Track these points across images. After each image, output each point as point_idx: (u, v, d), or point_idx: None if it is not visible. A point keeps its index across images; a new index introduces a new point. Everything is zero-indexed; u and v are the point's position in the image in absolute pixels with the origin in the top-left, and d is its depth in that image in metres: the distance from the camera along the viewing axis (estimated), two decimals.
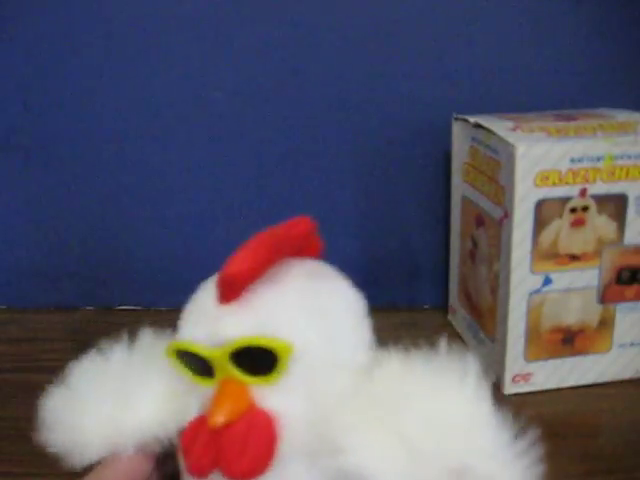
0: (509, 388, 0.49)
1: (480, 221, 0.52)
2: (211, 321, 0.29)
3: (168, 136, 0.60)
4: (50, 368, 0.54)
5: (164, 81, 0.58)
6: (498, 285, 0.49)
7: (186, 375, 0.29)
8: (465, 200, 0.55)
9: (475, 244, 0.53)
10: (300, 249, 0.32)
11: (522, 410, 0.50)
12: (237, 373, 0.28)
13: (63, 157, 0.60)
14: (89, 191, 0.61)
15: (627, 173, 0.46)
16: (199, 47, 0.58)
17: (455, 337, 0.59)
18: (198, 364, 0.29)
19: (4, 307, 0.64)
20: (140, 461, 0.32)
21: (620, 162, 0.45)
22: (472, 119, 0.51)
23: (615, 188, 0.46)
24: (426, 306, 0.64)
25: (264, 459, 0.27)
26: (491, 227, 0.49)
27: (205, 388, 0.29)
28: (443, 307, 0.63)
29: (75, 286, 0.63)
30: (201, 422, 0.28)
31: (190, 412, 0.29)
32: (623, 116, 0.51)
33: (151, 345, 0.33)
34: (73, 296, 0.63)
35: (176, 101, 0.59)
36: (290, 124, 0.59)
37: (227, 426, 0.27)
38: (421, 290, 0.64)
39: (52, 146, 0.60)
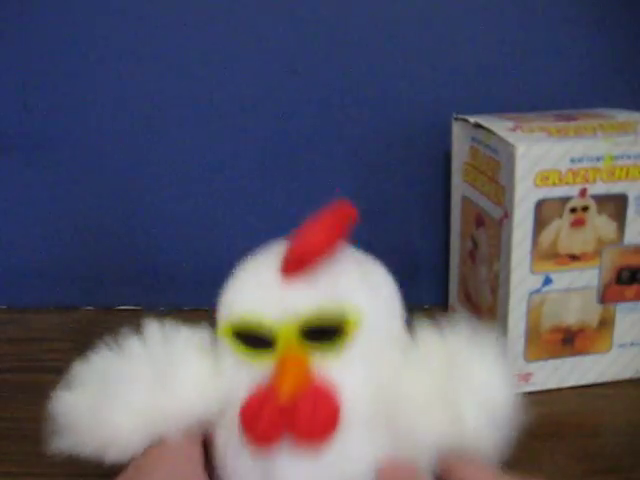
0: None
1: (480, 221, 0.52)
2: (280, 295, 0.30)
3: (168, 136, 0.60)
4: (50, 368, 0.55)
5: (165, 81, 0.58)
6: (498, 285, 0.49)
7: (239, 351, 0.30)
8: (465, 200, 0.55)
9: (475, 244, 0.54)
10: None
11: (522, 410, 0.50)
12: (303, 346, 0.29)
13: (63, 157, 0.60)
14: (89, 191, 0.61)
15: (627, 173, 0.46)
16: (199, 47, 0.58)
17: None
18: (256, 339, 0.29)
19: (4, 307, 0.64)
20: (189, 445, 0.31)
21: (620, 162, 0.45)
22: (472, 119, 0.51)
23: (615, 188, 0.46)
24: (426, 306, 0.64)
25: (332, 427, 0.29)
26: (491, 227, 0.49)
27: (259, 364, 0.29)
28: (443, 307, 0.62)
29: (75, 286, 0.63)
30: (263, 397, 0.29)
31: (237, 390, 0.30)
32: (623, 116, 0.51)
33: (177, 331, 0.33)
34: (73, 296, 0.63)
35: (176, 101, 0.59)
36: (290, 124, 0.59)
37: (296, 399, 0.28)
38: (421, 290, 0.64)
39: (52, 146, 0.60)
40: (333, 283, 0.30)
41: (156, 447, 0.32)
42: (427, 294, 0.64)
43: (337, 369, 0.29)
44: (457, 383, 0.30)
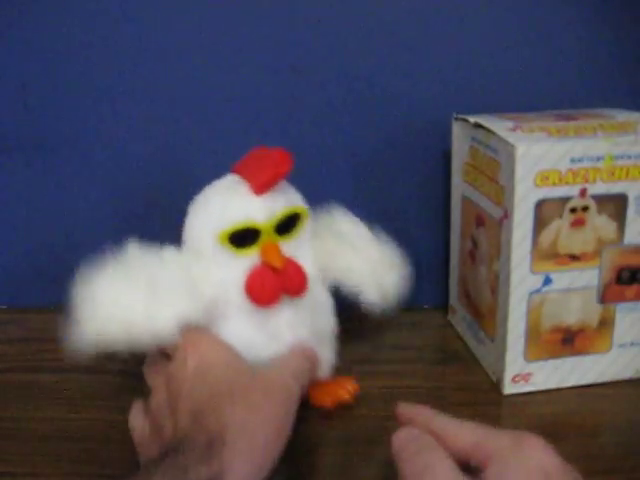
0: (509, 388, 0.49)
1: (480, 221, 0.52)
2: (260, 204, 0.42)
3: (168, 137, 0.60)
4: (50, 368, 0.55)
5: (165, 81, 0.58)
6: (498, 285, 0.49)
7: (233, 250, 0.42)
8: (465, 200, 0.55)
9: (475, 244, 0.54)
10: None
11: (522, 410, 0.51)
12: (277, 236, 0.43)
13: (63, 157, 0.60)
14: (89, 191, 0.61)
15: (627, 173, 0.46)
16: (200, 46, 0.58)
17: (455, 337, 0.59)
18: (243, 239, 0.42)
19: (4, 307, 0.64)
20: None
21: (620, 162, 0.45)
22: (472, 119, 0.51)
23: (615, 188, 0.46)
24: (426, 306, 0.64)
25: (307, 282, 0.44)
26: (491, 227, 0.49)
27: (246, 256, 0.42)
28: (443, 307, 0.63)
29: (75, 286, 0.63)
30: (263, 272, 0.42)
31: (233, 278, 0.43)
32: (623, 116, 0.51)
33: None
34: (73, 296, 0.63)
35: (176, 100, 0.59)
36: (289, 123, 0.59)
37: (285, 265, 0.42)
38: (421, 290, 0.64)
39: (52, 146, 0.60)
40: (287, 194, 0.44)
41: (191, 331, 0.41)
42: (427, 294, 0.64)
43: (295, 249, 0.44)
44: (380, 265, 0.49)
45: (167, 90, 0.59)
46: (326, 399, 0.48)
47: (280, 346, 0.43)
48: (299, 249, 0.44)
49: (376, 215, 0.62)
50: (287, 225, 0.44)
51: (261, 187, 0.42)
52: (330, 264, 0.47)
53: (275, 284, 0.42)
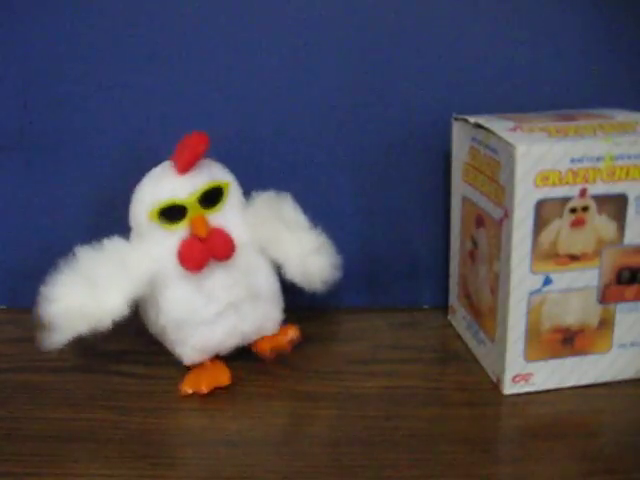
0: (509, 388, 0.49)
1: (480, 221, 0.52)
2: (183, 182, 0.48)
3: (169, 137, 0.60)
4: (50, 368, 0.55)
5: (165, 81, 0.58)
6: (498, 285, 0.49)
7: (164, 225, 0.49)
8: (465, 200, 0.55)
9: (475, 244, 0.54)
10: None
11: (522, 410, 0.51)
12: (202, 209, 0.49)
13: (63, 157, 0.60)
14: (89, 191, 0.61)
15: (627, 173, 0.46)
16: (200, 46, 0.58)
17: (455, 337, 0.59)
18: (171, 214, 0.48)
19: (4, 307, 0.64)
20: None
21: (620, 162, 0.45)
22: (472, 119, 0.51)
23: (615, 188, 0.46)
24: (426, 306, 0.64)
25: (233, 247, 0.49)
26: (491, 227, 0.49)
27: (176, 230, 0.49)
28: (443, 307, 0.63)
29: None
30: (191, 242, 0.48)
31: (167, 250, 0.49)
32: (623, 116, 0.51)
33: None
34: None
35: (176, 100, 0.59)
36: (289, 124, 0.59)
37: (209, 234, 0.48)
38: (421, 290, 0.64)
39: (52, 146, 0.60)
40: (209, 170, 0.50)
41: None
42: (427, 294, 0.64)
43: (223, 219, 0.50)
44: (307, 248, 0.52)
45: (168, 90, 0.59)
46: (266, 347, 0.52)
47: (218, 305, 0.49)
48: (227, 219, 0.50)
49: (376, 215, 0.62)
50: (211, 198, 0.49)
51: (182, 167, 0.48)
52: (261, 236, 0.52)
53: (201, 251, 0.48)
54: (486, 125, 0.48)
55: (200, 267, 0.48)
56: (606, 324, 0.49)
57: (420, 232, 0.63)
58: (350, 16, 0.57)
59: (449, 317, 0.62)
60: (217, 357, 0.52)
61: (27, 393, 0.50)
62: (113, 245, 0.49)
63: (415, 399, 0.49)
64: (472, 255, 0.54)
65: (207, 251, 0.48)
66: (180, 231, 0.49)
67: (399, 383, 0.51)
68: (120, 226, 0.62)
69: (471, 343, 0.56)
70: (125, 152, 0.60)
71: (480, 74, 0.58)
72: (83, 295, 0.46)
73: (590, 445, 0.44)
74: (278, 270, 0.52)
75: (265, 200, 0.53)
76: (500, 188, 0.47)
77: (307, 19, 0.57)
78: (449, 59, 0.58)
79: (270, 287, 0.52)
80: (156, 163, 0.61)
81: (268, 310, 0.52)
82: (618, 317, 0.49)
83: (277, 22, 0.57)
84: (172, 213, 0.48)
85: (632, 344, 0.50)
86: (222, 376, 0.51)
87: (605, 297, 0.49)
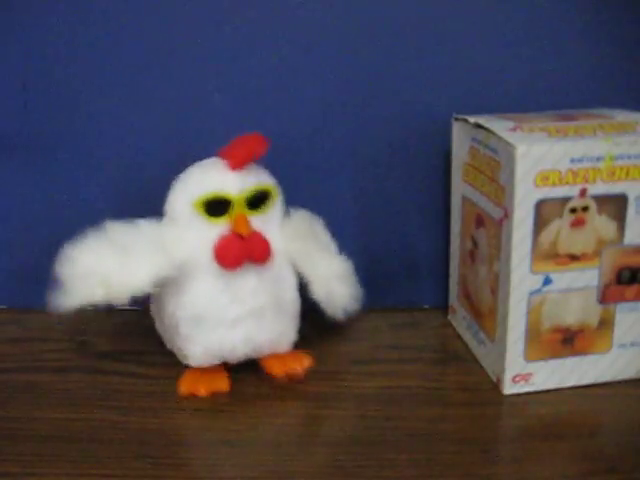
0: (509, 388, 0.49)
1: (480, 221, 0.52)
2: (234, 178, 0.47)
3: (169, 137, 0.60)
4: (50, 368, 0.55)
5: (165, 81, 0.58)
6: (498, 285, 0.49)
7: (207, 217, 0.47)
8: (465, 200, 0.55)
9: (475, 244, 0.54)
10: None
11: (522, 410, 0.51)
12: (248, 210, 0.48)
13: (63, 157, 0.60)
14: (89, 192, 0.61)
15: (627, 173, 0.46)
16: (200, 46, 0.58)
17: (455, 337, 0.59)
18: (217, 208, 0.47)
19: (4, 307, 0.64)
20: None
21: (620, 162, 0.45)
22: (472, 119, 0.51)
23: (615, 188, 0.46)
24: (426, 306, 0.64)
25: (270, 252, 0.48)
26: (491, 227, 0.49)
27: (218, 224, 0.47)
28: (443, 307, 0.63)
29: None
30: (231, 238, 0.47)
31: (205, 243, 0.47)
32: (623, 116, 0.51)
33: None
34: None
35: (177, 100, 0.59)
36: (289, 124, 0.59)
37: (251, 235, 0.47)
38: (421, 290, 0.64)
39: (52, 146, 0.60)
40: (258, 173, 0.49)
41: None
42: (427, 294, 0.64)
43: (264, 224, 0.49)
44: (335, 274, 0.52)
45: (167, 89, 0.59)
46: (278, 369, 0.51)
47: (241, 308, 0.48)
48: (267, 224, 0.49)
49: (376, 215, 0.62)
50: (257, 201, 0.48)
51: (235, 163, 0.47)
52: (296, 249, 0.51)
53: (240, 250, 0.47)
54: (486, 125, 0.48)
55: (236, 265, 0.47)
56: (606, 324, 0.49)
57: (420, 232, 0.63)
58: (350, 16, 0.57)
59: (449, 317, 0.62)
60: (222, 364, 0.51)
61: (27, 393, 0.50)
62: (147, 223, 0.48)
63: (415, 399, 0.49)
64: (472, 255, 0.54)
65: (246, 250, 0.47)
66: (220, 226, 0.47)
67: (399, 383, 0.51)
68: None
69: (471, 343, 0.56)
70: (125, 152, 0.60)
71: (480, 74, 0.58)
72: (111, 261, 0.45)
73: (590, 445, 0.44)
74: (302, 288, 0.51)
75: (301, 217, 0.53)
76: (500, 188, 0.47)
77: (307, 19, 0.57)
78: (449, 59, 0.58)
79: (294, 301, 0.51)
80: (156, 164, 0.61)
81: (286, 326, 0.51)
82: (618, 317, 0.49)
83: (277, 22, 0.57)
84: (217, 206, 0.47)
85: (632, 344, 0.50)
86: (221, 381, 0.50)
87: (605, 297, 0.49)
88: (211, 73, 0.58)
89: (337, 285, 0.51)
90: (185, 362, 0.50)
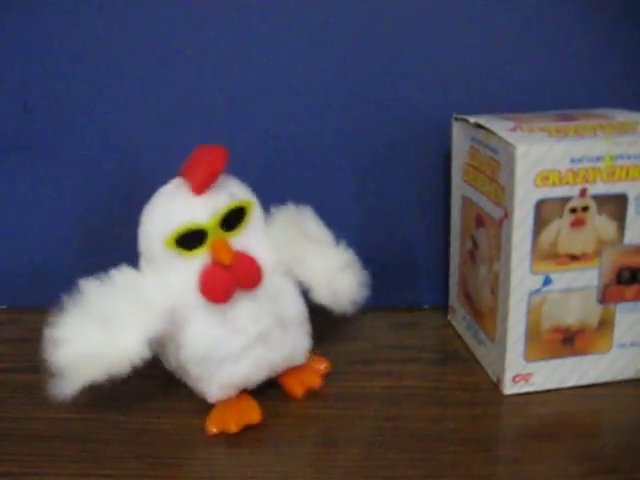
0: (509, 388, 0.49)
1: (480, 221, 0.52)
2: (201, 203, 0.43)
3: (169, 138, 0.60)
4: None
5: (165, 81, 0.58)
6: (498, 285, 0.49)
7: (181, 253, 0.43)
8: (465, 200, 0.55)
9: (475, 244, 0.54)
10: None
11: (522, 410, 0.51)
12: (224, 232, 0.44)
13: (63, 157, 0.60)
14: (89, 192, 0.61)
15: (627, 173, 0.46)
16: (200, 47, 0.58)
17: (455, 337, 0.59)
18: (189, 241, 0.43)
19: (4, 307, 0.64)
20: None
21: (620, 162, 0.45)
22: (472, 119, 0.51)
23: (615, 188, 0.46)
24: (426, 306, 0.64)
25: (261, 273, 0.44)
26: (491, 227, 0.49)
27: (195, 257, 0.43)
28: (443, 307, 0.63)
29: (75, 286, 0.63)
30: (214, 270, 0.43)
31: (187, 281, 0.43)
32: (623, 116, 0.51)
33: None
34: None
35: (177, 100, 0.59)
36: (289, 124, 0.59)
37: (235, 260, 0.43)
38: (421, 290, 0.64)
39: (52, 146, 0.60)
40: (228, 189, 0.44)
41: None
42: (427, 294, 0.64)
43: (247, 241, 0.45)
44: (335, 268, 0.48)
45: (168, 90, 0.59)
46: (297, 387, 0.49)
47: (245, 337, 0.45)
48: (251, 240, 0.45)
49: (376, 215, 0.62)
50: (234, 219, 0.44)
51: (198, 187, 0.43)
52: (287, 256, 0.47)
53: (227, 280, 0.43)
54: (486, 125, 0.48)
55: (226, 298, 0.43)
56: (606, 324, 0.49)
57: (420, 232, 0.63)
58: (350, 16, 0.57)
59: (449, 317, 0.62)
60: (244, 390, 0.48)
61: (27, 393, 0.50)
62: (124, 277, 0.44)
63: (415, 399, 0.49)
64: (472, 255, 0.54)
65: (232, 279, 0.43)
66: (200, 258, 0.43)
67: (399, 383, 0.51)
68: (121, 227, 0.63)
69: (471, 343, 0.56)
70: (126, 153, 0.60)
71: (480, 74, 0.58)
72: (95, 337, 0.41)
73: (590, 445, 0.44)
74: (303, 292, 0.49)
75: (286, 216, 0.49)
76: (500, 188, 0.47)
77: (307, 19, 0.57)
78: (449, 59, 0.58)
79: (299, 312, 0.48)
80: (157, 164, 0.61)
81: (297, 337, 0.48)
82: (618, 317, 0.49)
83: (277, 22, 0.57)
84: (190, 238, 0.43)
85: (632, 344, 0.50)
86: (252, 412, 0.46)
87: (605, 297, 0.49)
88: (212, 73, 0.58)
89: (341, 279, 0.48)
90: (204, 398, 0.47)
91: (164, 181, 0.61)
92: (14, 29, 0.57)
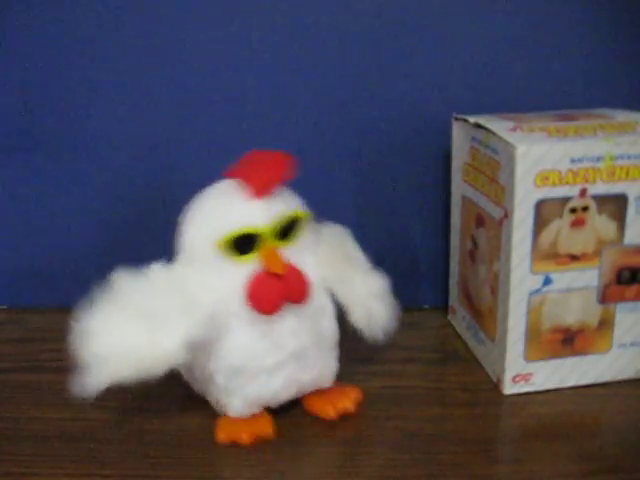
0: (509, 388, 0.49)
1: (480, 221, 0.52)
2: (260, 208, 0.41)
3: (170, 138, 0.60)
4: (50, 368, 0.55)
5: (166, 80, 0.58)
6: (498, 285, 0.49)
7: (234, 256, 0.41)
8: (465, 200, 0.55)
9: (475, 244, 0.54)
10: None
11: (522, 410, 0.51)
12: (277, 241, 0.42)
13: (63, 157, 0.60)
14: (89, 192, 0.61)
15: (627, 173, 0.46)
16: (201, 47, 0.58)
17: (455, 337, 0.59)
18: (243, 245, 0.41)
19: (4, 307, 0.64)
20: None
21: (620, 162, 0.45)
22: (472, 119, 0.51)
23: (615, 188, 0.46)
24: (426, 306, 0.64)
25: (309, 288, 0.43)
26: (491, 227, 0.49)
27: (246, 263, 0.41)
28: (443, 307, 0.63)
29: (75, 286, 0.63)
30: (265, 279, 0.41)
31: (234, 286, 0.41)
32: (623, 116, 0.51)
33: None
34: (73, 296, 0.63)
35: (177, 100, 0.59)
36: (290, 124, 0.59)
37: (287, 271, 0.41)
38: (421, 290, 0.64)
39: (52, 146, 0.60)
40: (284, 199, 0.43)
41: None
42: (427, 294, 0.64)
43: (296, 254, 0.43)
44: (373, 295, 0.47)
45: (168, 89, 0.59)
46: (328, 409, 0.46)
47: (281, 353, 0.43)
48: (300, 255, 0.43)
49: (376, 215, 0.62)
50: (287, 230, 0.43)
51: (261, 190, 0.41)
52: (331, 275, 0.45)
53: (277, 291, 0.41)
54: (486, 125, 0.48)
55: (274, 309, 0.41)
56: (606, 324, 0.49)
57: (420, 232, 0.63)
58: (350, 16, 0.57)
59: (449, 317, 0.62)
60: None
61: (27, 393, 0.50)
62: (166, 274, 0.42)
63: (415, 399, 0.49)
64: (472, 255, 0.54)
65: (283, 291, 0.41)
66: (249, 265, 0.41)
67: (399, 383, 0.51)
68: (120, 228, 0.63)
69: (471, 343, 0.56)
70: (127, 153, 0.60)
71: (480, 74, 0.58)
72: (134, 332, 0.39)
73: (590, 445, 0.44)
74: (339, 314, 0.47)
75: (333, 235, 0.47)
76: (500, 188, 0.47)
77: (307, 19, 0.57)
78: (449, 59, 0.58)
79: (334, 333, 0.46)
80: (159, 162, 0.61)
81: (327, 359, 0.46)
82: (618, 317, 0.49)
83: (277, 22, 0.57)
84: (244, 243, 0.41)
85: (632, 344, 0.50)
86: (265, 426, 0.45)
87: (605, 297, 0.49)
88: (212, 74, 0.58)
89: (376, 304, 0.47)
90: (223, 413, 0.46)
91: (164, 180, 0.61)
92: (14, 29, 0.57)
